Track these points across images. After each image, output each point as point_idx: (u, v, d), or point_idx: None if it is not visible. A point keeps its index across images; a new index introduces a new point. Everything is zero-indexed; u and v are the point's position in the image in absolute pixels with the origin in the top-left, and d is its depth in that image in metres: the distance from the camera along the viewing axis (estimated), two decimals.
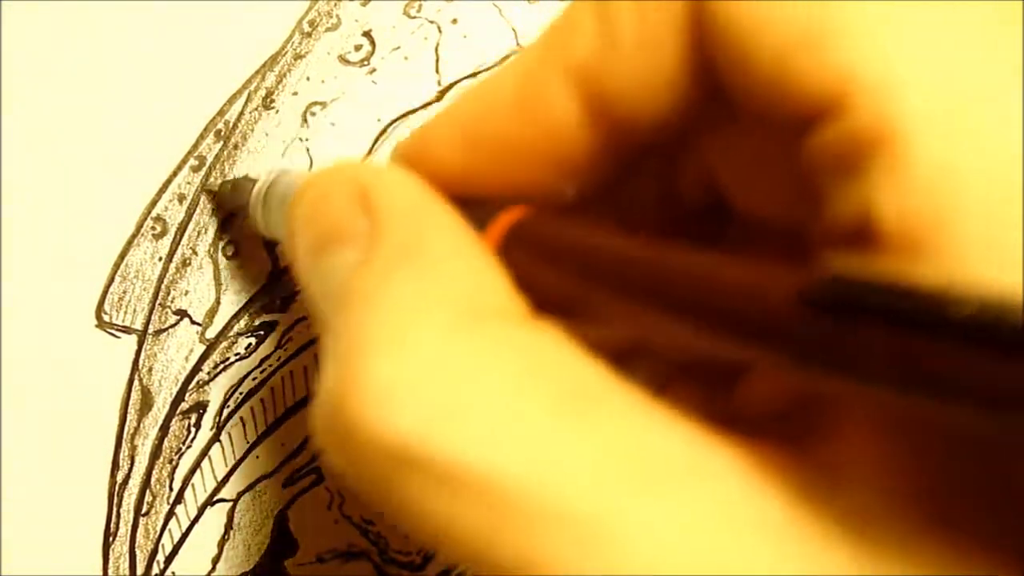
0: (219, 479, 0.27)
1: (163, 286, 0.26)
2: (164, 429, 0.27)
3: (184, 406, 0.27)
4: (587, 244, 0.16)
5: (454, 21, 0.28)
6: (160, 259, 0.26)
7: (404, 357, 0.15)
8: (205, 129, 0.26)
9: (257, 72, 0.27)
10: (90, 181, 0.25)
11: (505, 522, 0.14)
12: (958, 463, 0.13)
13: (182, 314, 0.27)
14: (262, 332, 0.27)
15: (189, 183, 0.26)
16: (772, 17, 0.15)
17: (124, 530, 0.26)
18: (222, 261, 0.27)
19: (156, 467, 0.27)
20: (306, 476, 0.28)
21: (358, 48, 0.28)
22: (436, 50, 0.28)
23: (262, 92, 0.27)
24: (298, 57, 0.27)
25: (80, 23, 0.25)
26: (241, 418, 0.27)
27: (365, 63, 0.28)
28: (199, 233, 0.27)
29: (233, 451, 0.27)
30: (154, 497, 0.27)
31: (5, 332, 0.25)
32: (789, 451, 0.14)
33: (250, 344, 0.27)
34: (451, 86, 0.28)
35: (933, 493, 0.13)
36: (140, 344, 0.26)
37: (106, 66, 0.25)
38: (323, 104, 0.27)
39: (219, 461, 0.27)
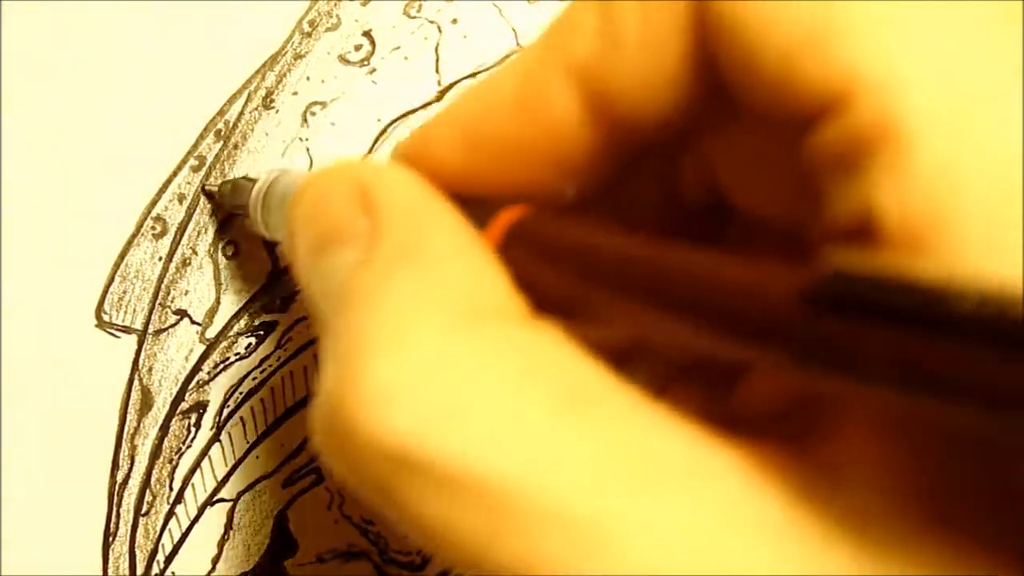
0: (219, 479, 0.27)
1: (163, 286, 0.26)
2: (164, 429, 0.27)
3: (184, 406, 0.27)
4: (587, 243, 0.16)
5: (454, 21, 0.28)
6: (160, 259, 0.26)
7: (403, 358, 0.15)
8: (205, 129, 0.26)
9: (257, 72, 0.27)
10: (90, 181, 0.25)
11: (504, 525, 0.14)
12: (958, 463, 0.13)
13: (182, 314, 0.27)
14: (262, 332, 0.27)
15: (189, 183, 0.26)
16: (777, 16, 0.15)
17: (124, 530, 0.26)
18: (222, 261, 0.27)
19: (156, 467, 0.27)
20: (306, 476, 0.28)
21: (358, 48, 0.28)
22: (436, 50, 0.28)
23: (262, 92, 0.27)
24: (298, 57, 0.27)
25: (80, 23, 0.25)
26: (241, 418, 0.27)
27: (365, 63, 0.28)
28: (199, 233, 0.27)
29: (233, 451, 0.27)
30: (154, 497, 0.27)
31: (5, 332, 0.25)
32: (789, 451, 0.14)
33: (250, 344, 0.27)
34: (451, 86, 0.28)
35: (933, 493, 0.13)
36: (140, 344, 0.26)
37: (106, 66, 0.25)
38: (323, 104, 0.27)
39: (219, 461, 0.27)
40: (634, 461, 0.14)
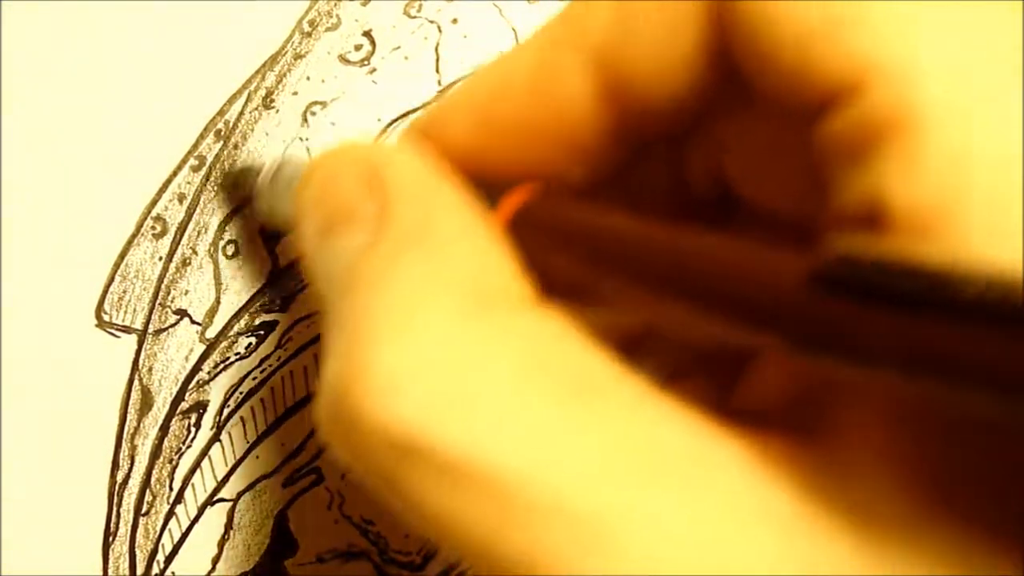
0: (219, 479, 0.27)
1: (163, 286, 0.26)
2: (164, 429, 0.27)
3: (184, 406, 0.27)
4: (596, 226, 0.16)
5: (454, 21, 0.28)
6: (160, 259, 0.26)
7: (409, 345, 0.15)
8: (205, 129, 0.26)
9: (257, 72, 0.27)
10: (90, 181, 0.25)
11: (507, 517, 0.14)
12: (964, 452, 0.13)
13: (182, 314, 0.27)
14: (262, 332, 0.27)
15: (189, 183, 0.26)
16: (794, 2, 0.15)
17: (124, 530, 0.26)
18: (222, 261, 0.27)
19: (156, 467, 0.27)
20: (306, 476, 0.28)
21: (358, 48, 0.28)
22: (436, 50, 0.28)
23: (262, 92, 0.27)
24: (298, 57, 0.27)
25: (80, 23, 0.25)
26: (241, 418, 0.27)
27: (365, 63, 0.28)
28: (199, 233, 0.27)
29: (233, 451, 0.27)
30: (154, 497, 0.27)
31: (5, 332, 0.25)
32: (795, 444, 0.14)
33: (250, 344, 0.27)
34: (451, 86, 0.28)
35: (939, 482, 0.13)
36: (140, 344, 0.26)
37: (106, 66, 0.25)
38: (323, 104, 0.27)
39: (219, 461, 0.27)
40: (639, 453, 0.14)
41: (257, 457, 0.28)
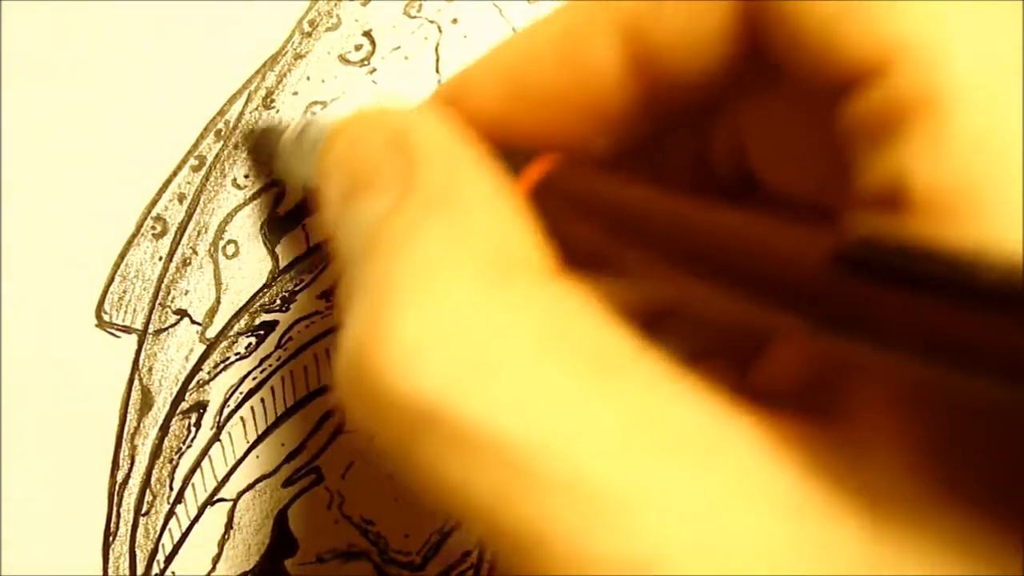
0: (219, 479, 0.27)
1: (163, 286, 0.26)
2: (164, 429, 0.27)
3: (184, 406, 0.27)
4: (619, 197, 0.16)
5: (454, 21, 0.28)
6: (160, 259, 0.26)
7: (430, 312, 0.15)
8: (205, 129, 0.26)
9: (257, 72, 0.27)
10: (90, 181, 0.25)
11: (519, 489, 0.14)
12: (975, 438, 0.13)
13: (182, 314, 0.27)
14: (262, 332, 0.27)
15: (189, 183, 0.26)
16: None
17: (124, 530, 0.26)
18: (222, 261, 0.27)
19: (156, 467, 0.27)
20: (306, 476, 0.28)
21: (358, 48, 0.28)
22: (436, 50, 0.28)
23: (262, 92, 0.27)
24: (298, 57, 0.27)
25: (80, 23, 0.25)
26: (241, 418, 0.27)
27: (365, 63, 0.28)
28: (199, 233, 0.27)
29: (233, 451, 0.27)
30: (154, 497, 0.27)
31: (5, 332, 0.25)
32: (809, 426, 0.14)
33: (250, 344, 0.27)
34: None
35: (949, 468, 0.13)
36: (140, 344, 0.26)
37: (106, 66, 0.25)
38: (323, 104, 0.27)
39: (219, 461, 0.27)
40: (655, 432, 0.14)
41: (257, 457, 0.28)
